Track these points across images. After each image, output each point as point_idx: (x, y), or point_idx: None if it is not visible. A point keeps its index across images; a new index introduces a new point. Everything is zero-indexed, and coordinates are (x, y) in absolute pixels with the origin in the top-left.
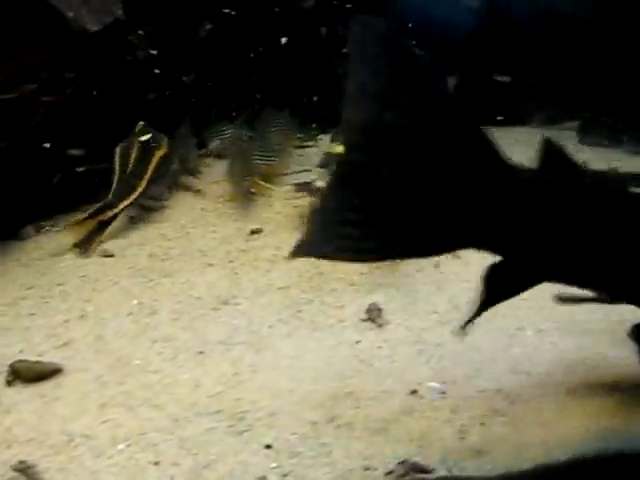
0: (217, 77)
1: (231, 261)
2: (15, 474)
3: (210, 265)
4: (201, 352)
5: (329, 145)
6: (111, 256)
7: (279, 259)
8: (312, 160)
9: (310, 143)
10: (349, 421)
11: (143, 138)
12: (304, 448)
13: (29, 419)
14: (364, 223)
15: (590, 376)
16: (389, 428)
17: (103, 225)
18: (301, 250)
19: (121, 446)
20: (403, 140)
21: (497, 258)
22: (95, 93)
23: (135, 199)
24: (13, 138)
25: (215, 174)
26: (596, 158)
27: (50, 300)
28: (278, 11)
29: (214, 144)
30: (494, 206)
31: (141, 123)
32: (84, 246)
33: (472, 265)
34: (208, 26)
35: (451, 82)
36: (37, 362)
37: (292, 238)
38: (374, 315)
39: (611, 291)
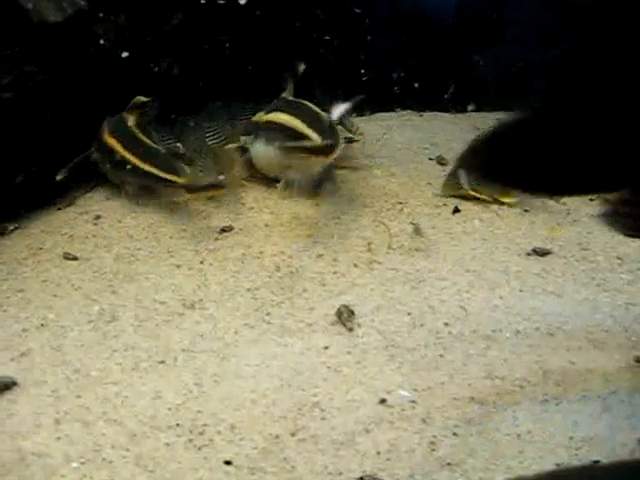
0: (189, 67)
1: (200, 262)
2: None
3: (177, 266)
4: (162, 361)
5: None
6: (75, 259)
7: (249, 258)
8: None
9: None
10: (314, 433)
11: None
12: (265, 464)
13: None
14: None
15: (569, 382)
16: (356, 440)
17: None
18: None
19: (75, 464)
20: None
21: None
22: (57, 87)
23: None
24: None
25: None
26: None
27: (8, 308)
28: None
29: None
30: None
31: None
32: None
33: (447, 262)
34: (180, 15)
35: None
36: None
37: (264, 236)
38: (344, 318)
39: None
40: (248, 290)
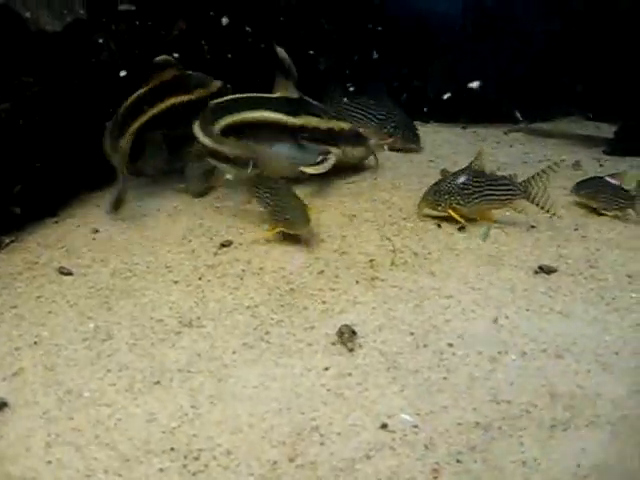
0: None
1: (198, 278)
2: None
3: (175, 282)
4: (158, 382)
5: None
6: (70, 274)
7: (249, 274)
8: None
9: None
10: (312, 460)
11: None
12: None
13: None
14: None
15: (578, 407)
16: (356, 467)
17: None
18: None
19: None
20: None
21: None
22: (55, 97)
23: None
24: None
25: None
26: None
27: (1, 325)
28: (256, 9)
29: None
30: None
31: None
32: None
33: (452, 280)
34: (182, 25)
35: None
36: None
37: (264, 251)
38: (345, 338)
39: None
40: (247, 308)
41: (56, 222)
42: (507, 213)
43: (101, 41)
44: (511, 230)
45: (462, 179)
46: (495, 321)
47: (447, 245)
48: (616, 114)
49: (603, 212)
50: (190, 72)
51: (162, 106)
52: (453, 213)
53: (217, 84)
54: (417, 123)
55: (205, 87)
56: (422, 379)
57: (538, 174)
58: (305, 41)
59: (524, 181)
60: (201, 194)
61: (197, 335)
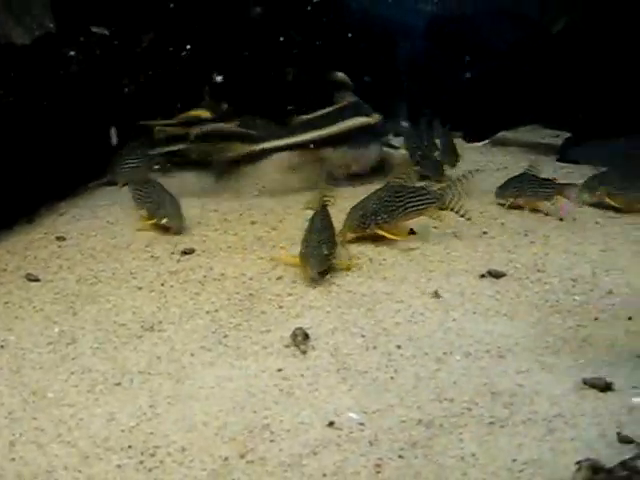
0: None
1: (161, 284)
2: None
3: (139, 288)
4: (119, 384)
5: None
6: (37, 280)
7: (210, 280)
8: None
9: None
10: (262, 456)
11: None
12: None
13: None
14: None
15: (517, 404)
16: (303, 463)
17: None
18: None
19: None
20: None
21: None
22: (25, 109)
23: None
24: None
25: None
26: None
27: None
28: (225, 20)
29: None
30: None
31: None
32: None
33: (404, 284)
34: (151, 36)
35: None
36: None
37: (226, 257)
38: (299, 340)
39: None
40: (207, 312)
41: (24, 230)
42: (460, 219)
43: (71, 54)
44: (464, 236)
45: (385, 197)
46: (442, 324)
47: (402, 251)
48: (571, 123)
49: (533, 205)
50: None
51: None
52: (381, 232)
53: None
54: None
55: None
56: (370, 379)
57: (453, 182)
58: (273, 53)
59: (440, 189)
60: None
61: (158, 339)
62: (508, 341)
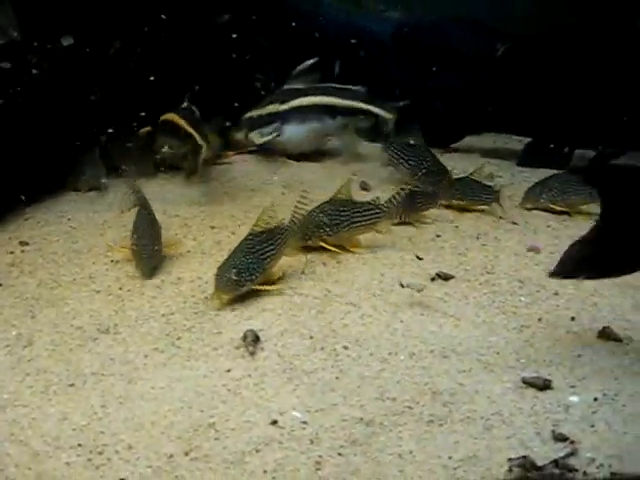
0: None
1: (119, 288)
2: None
3: (97, 292)
4: (72, 385)
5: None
6: None
7: (167, 284)
8: None
9: None
10: (206, 453)
11: None
12: None
13: None
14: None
15: (456, 403)
16: (245, 460)
17: None
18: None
19: None
20: None
21: None
22: None
23: None
24: None
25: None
26: None
27: None
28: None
29: None
30: None
31: None
32: None
33: (355, 287)
34: (118, 44)
35: None
36: None
37: (184, 262)
38: (248, 342)
39: None
40: (162, 315)
41: None
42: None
43: (34, 61)
44: (417, 239)
45: (329, 211)
46: (389, 325)
47: (355, 255)
48: (533, 129)
49: (472, 208)
50: None
51: None
52: (324, 244)
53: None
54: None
55: None
56: (316, 379)
57: (397, 193)
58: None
59: (386, 202)
60: None
61: (112, 341)
62: (452, 342)
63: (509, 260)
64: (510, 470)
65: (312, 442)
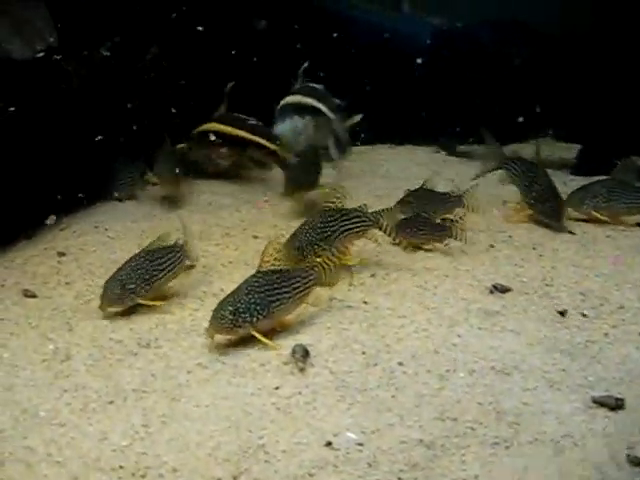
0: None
1: (159, 299)
2: None
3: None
4: (112, 402)
5: None
6: (34, 296)
7: (209, 296)
8: None
9: None
10: (256, 477)
11: None
12: None
13: None
14: None
15: (522, 424)
16: None
17: None
18: None
19: None
20: None
21: None
22: (26, 123)
23: None
24: None
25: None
26: None
27: None
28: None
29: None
30: None
31: None
32: None
33: (407, 300)
34: (155, 50)
35: None
36: None
37: (227, 273)
38: (297, 357)
39: None
40: (205, 330)
41: (24, 246)
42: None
43: (72, 68)
44: (470, 249)
45: (319, 224)
46: (446, 340)
47: (404, 266)
48: (584, 136)
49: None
50: None
51: None
52: (320, 260)
53: None
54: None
55: None
56: (370, 397)
57: (388, 208)
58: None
59: (375, 212)
60: None
61: (154, 356)
62: (514, 358)
63: (568, 272)
64: None
65: (370, 465)
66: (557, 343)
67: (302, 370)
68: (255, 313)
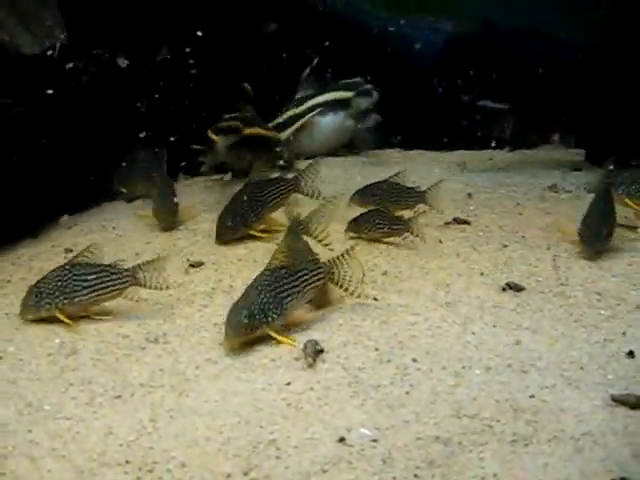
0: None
1: (169, 295)
2: None
3: (145, 300)
4: (119, 396)
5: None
6: None
7: (219, 292)
8: None
9: None
10: (267, 473)
11: None
12: None
13: None
14: None
15: (541, 422)
16: None
17: None
18: None
19: None
20: None
21: None
22: (34, 120)
23: None
24: None
25: None
26: None
27: None
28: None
29: None
30: None
31: None
32: None
33: (420, 297)
34: (165, 51)
35: None
36: None
37: (236, 270)
38: (309, 353)
39: None
40: (214, 325)
41: (31, 243)
42: (480, 232)
43: (81, 65)
44: (483, 248)
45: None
46: (460, 337)
47: (417, 264)
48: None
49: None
50: None
51: None
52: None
53: None
54: None
55: None
56: (384, 394)
57: (316, 211)
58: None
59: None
60: None
61: (162, 351)
62: (531, 355)
63: (583, 271)
64: None
65: (385, 462)
66: (574, 341)
67: (311, 366)
68: (270, 313)
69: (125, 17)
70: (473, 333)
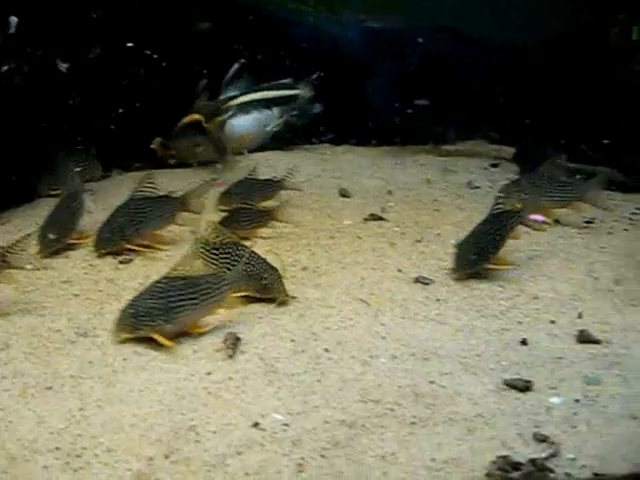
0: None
1: (98, 291)
2: None
3: (75, 296)
4: (50, 387)
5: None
6: None
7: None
8: None
9: None
10: (187, 456)
11: None
12: None
13: None
14: None
15: (438, 405)
16: (226, 462)
17: None
18: None
19: None
20: None
21: None
22: None
23: None
24: None
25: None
26: None
27: None
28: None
29: None
30: None
31: None
32: None
33: (336, 291)
34: (98, 49)
35: None
36: None
37: (164, 266)
38: (229, 345)
39: None
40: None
41: None
42: (396, 228)
43: (14, 65)
44: (399, 244)
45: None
46: (370, 328)
47: (335, 259)
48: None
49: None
50: None
51: None
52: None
53: None
54: None
55: None
56: (297, 382)
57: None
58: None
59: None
60: None
61: (91, 344)
62: (434, 344)
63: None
64: (491, 473)
65: (294, 444)
66: (474, 330)
67: (231, 357)
68: (156, 318)
69: (58, 16)
70: (382, 324)
